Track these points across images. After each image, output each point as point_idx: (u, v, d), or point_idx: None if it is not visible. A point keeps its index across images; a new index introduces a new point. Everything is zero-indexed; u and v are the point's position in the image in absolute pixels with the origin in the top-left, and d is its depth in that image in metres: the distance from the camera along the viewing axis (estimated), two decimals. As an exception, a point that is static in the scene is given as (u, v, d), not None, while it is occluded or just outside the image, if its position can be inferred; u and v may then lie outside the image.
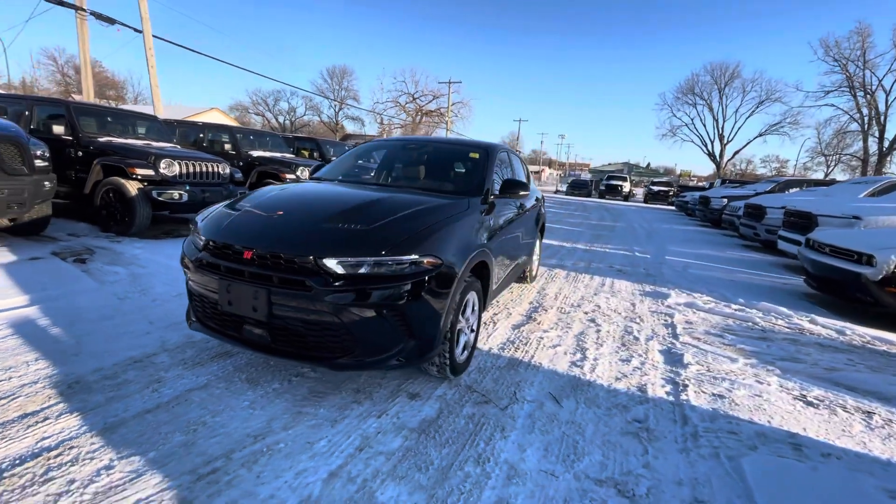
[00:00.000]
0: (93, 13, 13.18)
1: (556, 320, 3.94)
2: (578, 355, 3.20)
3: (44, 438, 1.86)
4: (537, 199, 4.77)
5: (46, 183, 4.63)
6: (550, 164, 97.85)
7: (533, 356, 3.12)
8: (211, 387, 2.36)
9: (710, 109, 43.54)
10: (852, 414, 2.64)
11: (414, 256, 2.14)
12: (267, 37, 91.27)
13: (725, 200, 12.91)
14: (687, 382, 2.88)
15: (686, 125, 45.03)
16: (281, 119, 57.47)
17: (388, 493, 1.72)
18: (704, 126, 44.51)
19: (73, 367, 2.43)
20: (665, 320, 4.16)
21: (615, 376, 2.91)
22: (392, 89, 56.99)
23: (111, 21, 13.72)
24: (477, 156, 3.52)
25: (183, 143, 9.35)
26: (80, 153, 5.89)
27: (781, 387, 2.92)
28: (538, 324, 3.80)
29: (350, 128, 54.06)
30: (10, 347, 2.60)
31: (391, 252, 2.11)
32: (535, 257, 5.17)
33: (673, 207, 23.58)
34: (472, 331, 2.90)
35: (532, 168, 76.77)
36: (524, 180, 4.09)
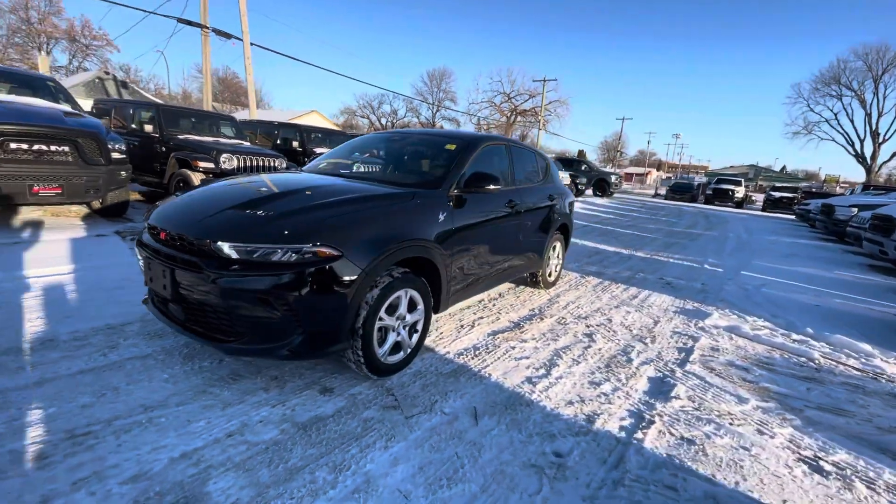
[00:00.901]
0: (214, 30, 15.27)
1: (545, 331, 3.55)
2: (541, 371, 2.85)
3: (-11, 384, 2.18)
4: (552, 197, 4.35)
5: (122, 172, 5.45)
6: (660, 166, 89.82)
7: (488, 366, 2.85)
8: (150, 358, 2.55)
9: (862, 102, 36.13)
10: (879, 494, 1.96)
11: (306, 245, 2.07)
12: (375, 44, 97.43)
13: (854, 210, 10.59)
14: (656, 419, 2.39)
15: (827, 121, 37.99)
16: (383, 121, 61.05)
17: (220, 484, 1.69)
18: (852, 122, 37.13)
19: (58, 327, 2.81)
20: (683, 343, 3.52)
21: (569, 400, 2.52)
22: (488, 90, 57.23)
23: (228, 36, 15.77)
24: (453, 147, 3.32)
25: (265, 140, 10.39)
26: (164, 148, 6.84)
27: (790, 443, 2.28)
28: (521, 332, 3.47)
29: (448, 128, 55.50)
30: (28, 307, 3.09)
31: (284, 240, 2.07)
32: (554, 261, 4.74)
33: (794, 217, 20.08)
34: (416, 331, 2.74)
35: (635, 170, 71.04)
36: (515, 174, 3.78)
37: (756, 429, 2.38)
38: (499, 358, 2.98)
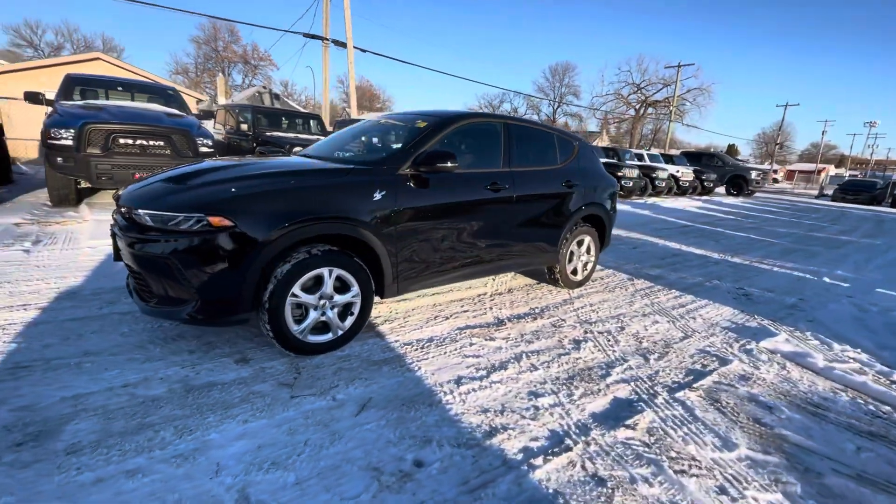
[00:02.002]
0: (333, 41, 16.98)
1: (527, 332, 3.13)
2: (481, 373, 2.50)
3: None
4: (570, 184, 3.76)
5: (209, 164, 6.37)
6: (841, 161, 72.89)
7: (425, 360, 2.61)
8: (128, 315, 2.91)
9: None
10: None
11: (199, 214, 2.13)
12: (497, 43, 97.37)
13: None
14: (578, 447, 1.91)
15: None
16: (503, 119, 60.93)
17: (79, 426, 1.83)
18: None
19: (87, 284, 3.39)
20: (702, 366, 2.76)
21: (485, 408, 2.17)
22: (614, 81, 53.04)
23: (343, 45, 17.38)
24: (423, 125, 3.09)
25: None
26: (255, 143, 7.82)
27: (761, 512, 1.61)
28: (496, 330, 3.11)
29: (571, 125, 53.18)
30: (87, 268, 3.80)
31: (183, 208, 2.16)
32: (583, 257, 4.15)
33: None
34: (351, 314, 2.64)
35: (803, 167, 58.69)
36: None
37: (717, 485, 1.74)
38: (446, 353, 2.71)
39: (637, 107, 44.05)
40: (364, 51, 17.59)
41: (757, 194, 20.64)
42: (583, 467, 1.79)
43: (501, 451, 1.86)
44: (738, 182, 18.70)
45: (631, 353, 2.90)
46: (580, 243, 4.13)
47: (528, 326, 3.22)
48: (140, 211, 2.24)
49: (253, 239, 2.19)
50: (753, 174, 18.51)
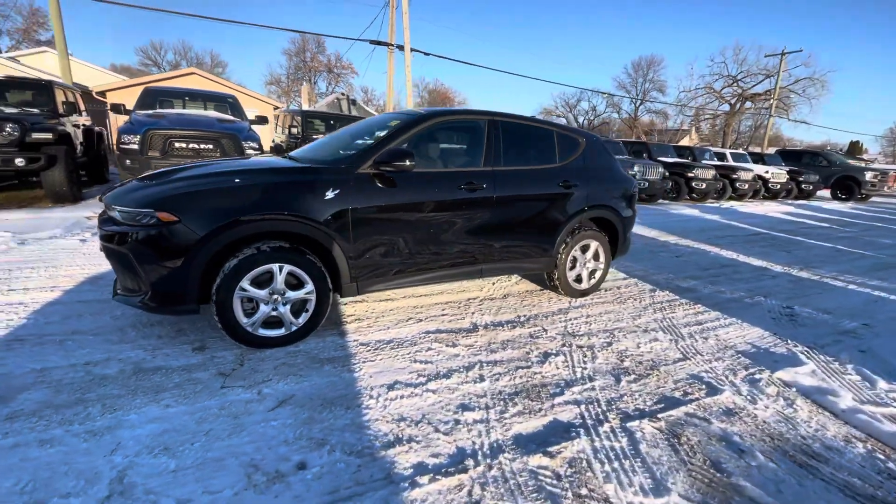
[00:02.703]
0: (397, 46, 17.52)
1: (497, 340, 2.94)
2: (421, 380, 2.40)
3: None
4: (568, 184, 3.47)
5: (255, 165, 6.89)
6: None
7: (368, 362, 2.57)
8: (132, 299, 3.23)
9: None
10: None
11: (149, 210, 2.29)
12: (575, 40, 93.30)
13: None
14: (477, 470, 1.74)
15: None
16: (581, 119, 58.60)
17: (31, 395, 2.06)
18: None
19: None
20: (682, 394, 2.39)
21: (402, 417, 2.07)
22: (705, 74, 48.46)
23: (411, 50, 17.85)
24: (395, 123, 3.03)
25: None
26: (303, 144, 8.31)
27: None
28: (464, 336, 2.97)
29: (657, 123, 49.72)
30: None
31: (140, 204, 2.34)
32: (589, 264, 3.82)
33: None
34: (306, 311, 2.68)
35: (952, 166, 48.72)
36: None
37: (618, 534, 1.48)
38: (397, 357, 2.65)
39: (732, 101, 39.81)
40: (427, 54, 17.93)
41: (874, 199, 17.55)
42: (469, 493, 1.63)
43: (391, 464, 1.76)
44: (848, 184, 16.07)
45: (604, 372, 2.61)
46: (585, 249, 3.80)
47: (501, 335, 3.04)
48: (114, 206, 2.47)
49: (196, 234, 2.31)
50: (868, 175, 15.78)
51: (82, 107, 8.18)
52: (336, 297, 3.42)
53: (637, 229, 7.59)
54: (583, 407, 2.23)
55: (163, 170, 2.87)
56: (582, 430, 2.03)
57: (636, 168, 10.89)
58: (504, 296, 3.85)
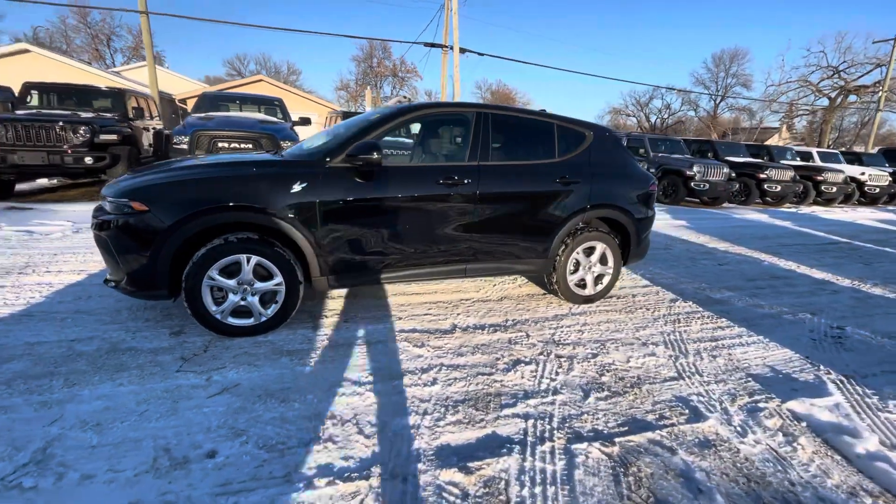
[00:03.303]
0: (450, 47, 17.60)
1: (470, 344, 2.79)
2: (370, 378, 2.32)
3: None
4: (566, 180, 3.19)
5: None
6: None
7: (329, 359, 2.54)
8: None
9: None
10: None
11: (125, 199, 2.43)
12: (648, 33, 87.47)
13: None
14: (387, 474, 1.63)
15: None
16: (653, 118, 55.16)
17: (15, 366, 2.26)
18: None
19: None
20: (657, 417, 2.09)
21: (334, 415, 2.01)
22: (800, 65, 43.43)
23: (463, 51, 17.87)
24: (376, 117, 2.97)
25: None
26: None
27: None
28: (437, 338, 2.84)
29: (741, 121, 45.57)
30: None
31: (119, 194, 2.49)
32: (595, 268, 3.51)
33: None
34: (276, 302, 2.71)
35: None
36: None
37: (504, 569, 1.30)
38: (356, 354, 2.59)
39: (832, 95, 35.29)
40: (481, 54, 17.87)
41: None
42: (361, 502, 1.52)
43: (298, 463, 1.70)
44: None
45: (574, 385, 2.36)
46: (589, 251, 3.50)
47: (478, 338, 2.87)
48: (103, 196, 2.66)
49: (163, 223, 2.42)
50: None
51: (154, 112, 9.08)
52: (330, 291, 3.45)
53: (683, 233, 6.94)
54: (531, 422, 2.02)
55: (158, 163, 3.06)
56: (517, 448, 1.84)
57: (695, 168, 10.00)
58: (501, 298, 3.66)
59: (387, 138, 3.67)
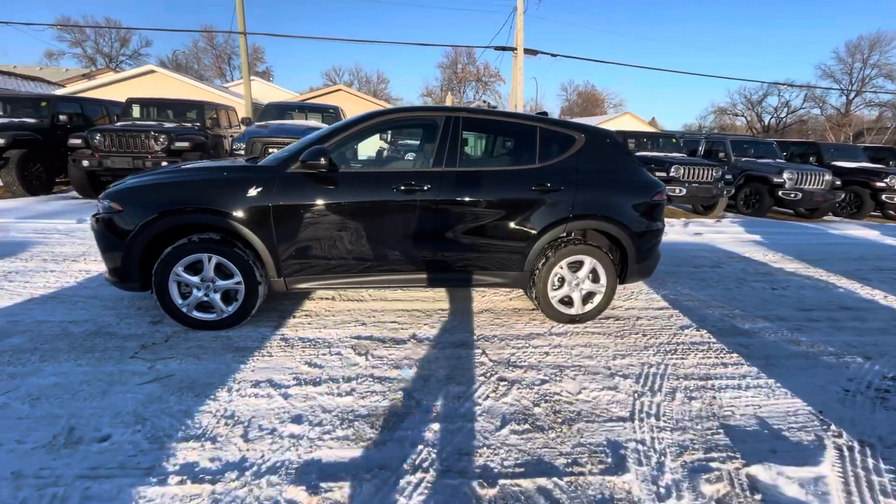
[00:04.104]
0: (525, 50, 17.25)
1: (414, 357, 2.68)
2: (286, 382, 2.33)
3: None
4: (545, 187, 2.91)
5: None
6: None
7: (266, 357, 2.60)
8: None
9: None
10: None
11: (107, 201, 2.73)
12: (764, 24, 76.60)
13: None
14: (232, 481, 1.62)
15: None
16: (767, 118, 48.78)
17: (12, 340, 2.66)
18: None
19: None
20: (565, 462, 1.82)
21: (230, 414, 2.05)
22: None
23: (534, 52, 17.45)
24: (339, 125, 2.97)
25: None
26: None
27: None
28: (383, 347, 2.78)
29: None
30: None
31: (105, 195, 2.81)
32: (574, 284, 3.18)
33: None
34: (236, 300, 2.86)
35: None
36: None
37: None
38: (293, 357, 2.63)
39: None
40: (554, 55, 17.30)
41: None
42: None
43: (167, 458, 1.76)
44: None
45: (497, 414, 2.15)
46: (575, 266, 3.18)
47: (427, 352, 2.75)
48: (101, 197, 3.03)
49: (131, 222, 2.68)
50: None
51: (234, 121, 10.16)
52: (316, 291, 3.56)
53: (748, 249, 6.00)
54: (419, 447, 1.88)
55: (163, 167, 3.40)
56: (386, 474, 1.71)
57: (785, 175, 8.63)
58: (482, 311, 3.48)
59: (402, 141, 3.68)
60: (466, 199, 2.94)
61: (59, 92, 16.98)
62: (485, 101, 37.61)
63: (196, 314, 2.85)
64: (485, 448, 1.90)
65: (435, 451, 1.86)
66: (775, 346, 3.05)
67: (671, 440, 2.00)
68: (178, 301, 2.81)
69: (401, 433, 1.97)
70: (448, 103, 38.18)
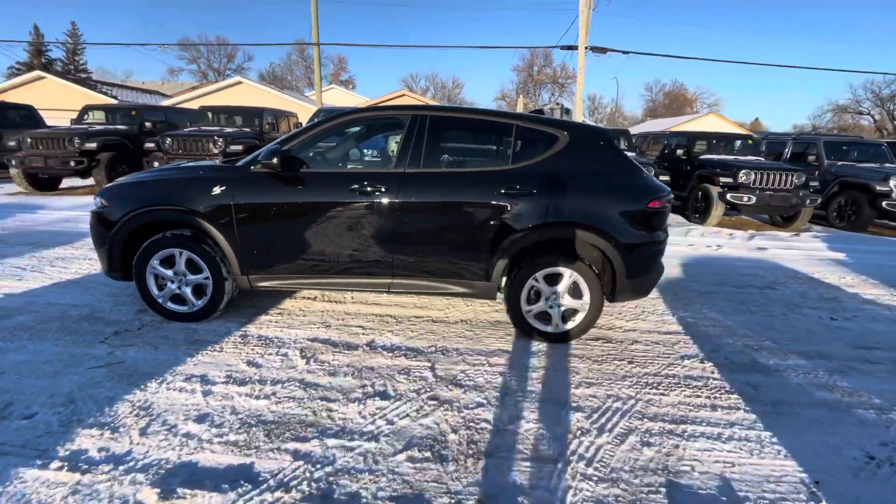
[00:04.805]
0: (593, 48, 16.40)
1: (357, 365, 2.56)
2: (219, 379, 2.34)
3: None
4: (513, 193, 2.62)
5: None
6: None
7: (216, 352, 2.65)
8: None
9: None
10: None
11: (100, 198, 2.97)
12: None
13: None
14: (96, 472, 1.64)
15: None
16: (902, 114, 41.43)
17: (19, 318, 3.00)
18: None
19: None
20: (458, 500, 1.58)
21: (146, 406, 2.10)
22: None
23: (604, 50, 16.53)
24: (306, 126, 2.94)
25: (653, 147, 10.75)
26: (688, 167, 8.55)
27: None
28: (331, 353, 2.70)
29: None
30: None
31: (99, 193, 3.05)
32: (551, 300, 2.85)
33: None
34: (205, 294, 2.96)
35: None
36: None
37: None
38: (240, 353, 2.65)
39: None
40: (625, 52, 16.28)
41: None
42: (63, 494, 1.56)
43: (63, 442, 1.83)
44: None
45: (405, 437, 1.96)
46: (552, 279, 2.85)
47: (375, 361, 2.63)
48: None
49: (115, 217, 2.88)
50: None
51: (292, 127, 10.82)
52: (301, 291, 3.61)
53: (821, 269, 5.03)
54: (298, 464, 1.76)
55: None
56: (246, 486, 1.62)
57: (892, 183, 7.19)
58: (457, 321, 3.27)
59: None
60: (426, 202, 2.76)
61: (165, 102, 19.44)
62: (558, 104, 36.32)
63: (170, 305, 3.00)
64: (367, 473, 1.73)
65: (311, 470, 1.74)
66: (796, 390, 2.48)
67: (589, 494, 1.67)
68: (155, 292, 2.98)
69: (290, 444, 1.87)
70: (519, 107, 37.54)
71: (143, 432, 1.92)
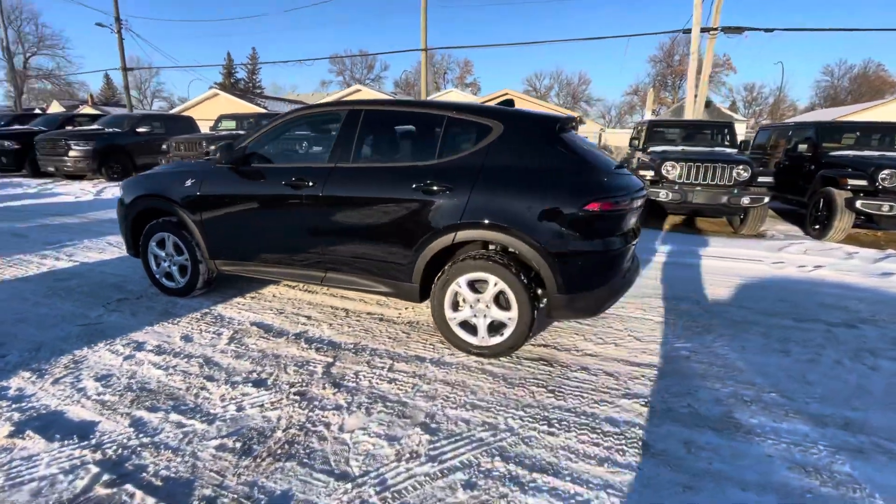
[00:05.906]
0: (725, 28, 14.11)
1: (273, 352, 2.66)
2: (153, 347, 2.66)
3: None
4: (430, 188, 2.39)
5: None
6: None
7: (169, 324, 3.01)
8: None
9: None
10: None
11: (119, 189, 3.60)
12: None
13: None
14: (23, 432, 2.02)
15: None
16: None
17: (69, 284, 3.81)
18: None
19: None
20: None
21: (77, 361, 2.49)
22: None
23: (740, 30, 14.12)
24: (263, 123, 3.12)
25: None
26: (812, 166, 6.74)
27: None
28: (263, 340, 2.85)
29: None
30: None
31: (121, 184, 3.70)
32: (478, 308, 2.56)
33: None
34: (187, 274, 3.39)
35: None
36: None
37: None
38: (189, 329, 2.96)
39: None
40: (769, 30, 13.61)
41: None
42: (-46, 417, 1.98)
43: (6, 379, 2.29)
44: None
45: (232, 424, 1.98)
46: (476, 286, 2.57)
47: (284, 350, 2.70)
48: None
49: (125, 202, 3.47)
50: None
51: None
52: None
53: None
54: (128, 431, 1.92)
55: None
56: (76, 440, 1.83)
57: (883, 173, 4.75)
58: (405, 322, 3.15)
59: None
60: (347, 196, 2.73)
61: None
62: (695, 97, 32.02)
63: (164, 281, 3.51)
64: (169, 451, 1.80)
65: (130, 437, 1.88)
66: (751, 467, 1.83)
67: (347, 523, 1.49)
68: (154, 269, 3.51)
69: (139, 413, 2.05)
70: (648, 101, 34.05)
71: (56, 381, 2.30)
